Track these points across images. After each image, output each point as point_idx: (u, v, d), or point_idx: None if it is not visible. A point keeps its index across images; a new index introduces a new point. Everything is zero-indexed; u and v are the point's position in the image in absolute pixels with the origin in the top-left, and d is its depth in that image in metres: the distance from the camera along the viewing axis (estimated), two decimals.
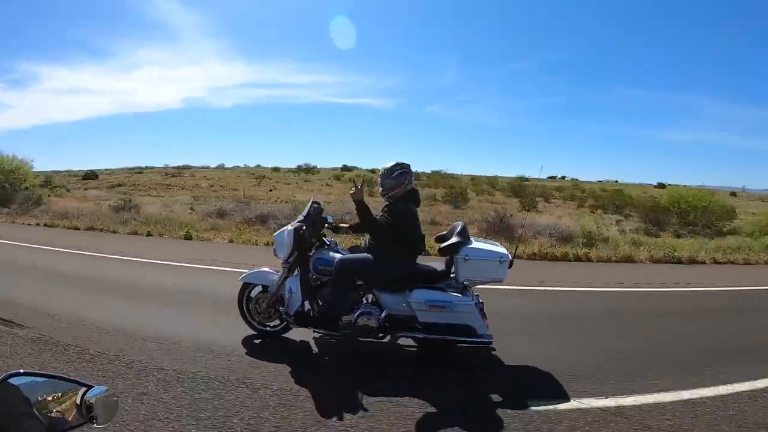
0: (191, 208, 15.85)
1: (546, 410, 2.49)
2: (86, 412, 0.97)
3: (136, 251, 7.06)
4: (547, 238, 9.91)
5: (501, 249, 3.17)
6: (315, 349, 3.29)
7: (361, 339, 3.11)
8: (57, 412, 0.97)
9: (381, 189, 3.25)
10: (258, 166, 55.03)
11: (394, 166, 3.20)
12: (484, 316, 3.08)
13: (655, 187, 49.03)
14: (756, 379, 2.98)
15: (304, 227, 3.21)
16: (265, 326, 3.41)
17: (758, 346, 3.75)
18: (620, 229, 13.05)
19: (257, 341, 3.34)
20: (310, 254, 3.25)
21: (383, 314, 3.04)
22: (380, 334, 3.09)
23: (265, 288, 3.39)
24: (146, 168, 51.71)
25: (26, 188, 17.25)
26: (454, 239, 3.13)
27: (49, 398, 0.98)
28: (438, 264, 3.26)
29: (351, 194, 3.12)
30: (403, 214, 3.10)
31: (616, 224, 14.86)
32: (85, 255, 6.89)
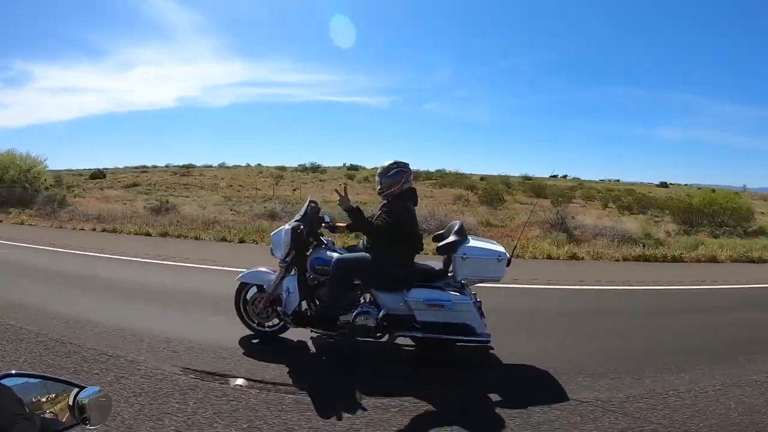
0: (231, 210, 14.97)
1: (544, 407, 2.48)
2: (79, 413, 0.97)
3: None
4: (609, 240, 9.89)
5: (499, 247, 3.17)
6: (312, 348, 3.28)
7: (359, 338, 3.10)
8: (50, 413, 0.97)
9: (378, 187, 3.25)
10: (259, 165, 54.52)
11: (391, 164, 3.20)
12: (482, 314, 3.08)
13: (657, 186, 49.14)
14: None
15: (302, 226, 3.19)
16: (264, 326, 3.40)
17: None
18: (666, 231, 13.05)
19: (255, 341, 3.33)
20: (308, 253, 3.24)
21: (381, 313, 3.03)
22: (378, 334, 3.08)
23: (260, 288, 3.38)
24: (150, 167, 51.00)
25: (46, 188, 16.53)
26: (451, 238, 3.12)
27: (43, 399, 0.98)
28: (435, 263, 3.26)
29: (338, 203, 3.11)
30: (401, 214, 3.09)
31: (654, 225, 14.93)
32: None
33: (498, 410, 2.47)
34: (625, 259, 7.95)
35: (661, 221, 16.29)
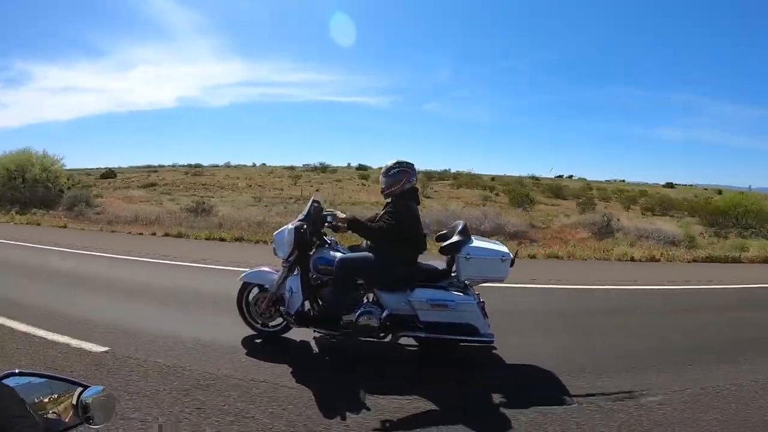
0: (268, 210, 14.55)
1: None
2: (83, 412, 0.96)
3: None
4: (655, 242, 10.23)
5: (503, 248, 3.16)
6: (315, 348, 3.28)
7: (362, 338, 3.10)
8: (53, 413, 0.96)
9: (381, 186, 3.25)
10: (264, 164, 54.36)
11: (393, 164, 3.20)
12: (485, 315, 3.07)
13: (663, 186, 48.94)
14: None
15: (305, 226, 3.19)
16: (267, 326, 3.40)
17: None
18: (700, 233, 13.09)
19: (258, 341, 3.33)
20: (311, 253, 3.23)
21: (384, 314, 3.03)
22: (381, 334, 3.07)
23: (261, 288, 3.37)
24: (157, 166, 50.73)
25: (69, 188, 16.02)
26: (455, 238, 3.11)
27: (46, 399, 0.97)
28: (439, 263, 3.24)
29: (337, 225, 3.17)
30: (403, 215, 3.08)
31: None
32: None
33: (501, 410, 2.46)
34: (695, 261, 8.22)
35: (688, 223, 16.36)
